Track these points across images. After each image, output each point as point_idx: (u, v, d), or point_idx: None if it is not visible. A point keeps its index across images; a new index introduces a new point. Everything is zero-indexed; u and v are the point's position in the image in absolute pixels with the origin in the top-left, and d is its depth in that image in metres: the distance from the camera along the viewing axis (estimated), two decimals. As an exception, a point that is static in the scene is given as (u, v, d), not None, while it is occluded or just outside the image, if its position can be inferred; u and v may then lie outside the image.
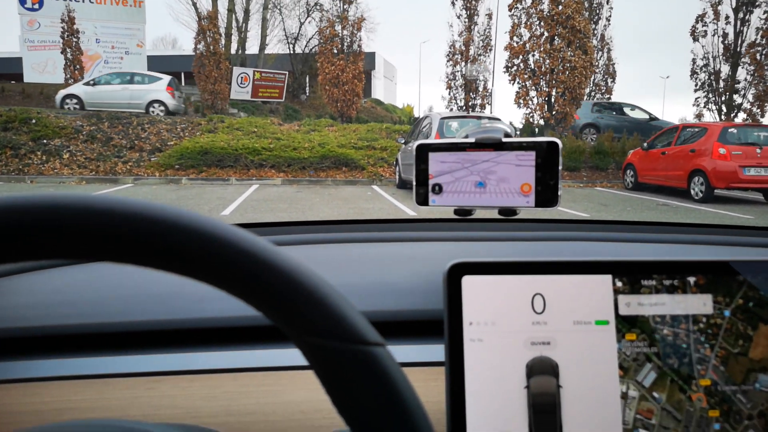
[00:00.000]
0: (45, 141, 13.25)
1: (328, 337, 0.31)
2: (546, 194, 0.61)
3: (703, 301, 0.47)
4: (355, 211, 8.48)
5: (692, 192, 10.61)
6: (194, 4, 21.74)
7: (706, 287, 0.48)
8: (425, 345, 0.61)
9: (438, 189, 0.63)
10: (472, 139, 0.62)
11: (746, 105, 17.55)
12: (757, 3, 17.20)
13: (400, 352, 0.60)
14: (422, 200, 0.64)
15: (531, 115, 16.83)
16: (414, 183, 0.65)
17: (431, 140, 0.63)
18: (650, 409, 0.46)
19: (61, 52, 17.36)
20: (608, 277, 0.47)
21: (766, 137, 10.45)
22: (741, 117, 17.64)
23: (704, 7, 17.84)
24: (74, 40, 17.36)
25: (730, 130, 10.48)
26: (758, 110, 17.28)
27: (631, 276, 0.47)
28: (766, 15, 17.09)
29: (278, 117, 19.31)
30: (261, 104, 21.83)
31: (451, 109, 17.89)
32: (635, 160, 12.54)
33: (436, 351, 0.57)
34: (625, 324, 0.47)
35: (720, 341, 0.47)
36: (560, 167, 0.60)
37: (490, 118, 10.69)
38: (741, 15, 17.46)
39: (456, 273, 0.47)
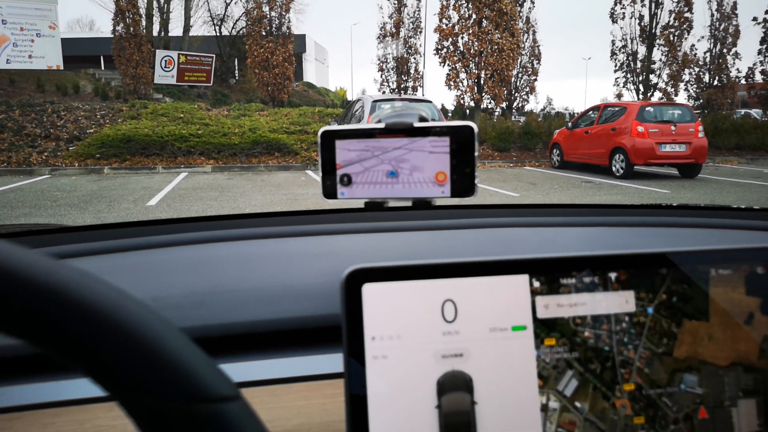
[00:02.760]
0: (-54, 131, 12.23)
1: (153, 394, 0.24)
2: (462, 183, 0.56)
3: (625, 299, 0.44)
4: (288, 197, 8.32)
5: (614, 169, 11.08)
6: (110, -17, 20.45)
7: (627, 283, 0.44)
8: (332, 354, 0.56)
9: (347, 180, 0.57)
10: (382, 125, 0.56)
11: (661, 84, 18.50)
12: (669, -14, 18.06)
13: (303, 364, 0.55)
14: (330, 193, 0.58)
15: (462, 96, 17.04)
16: (320, 174, 0.58)
17: (336, 126, 0.57)
18: (572, 420, 0.42)
19: (-38, 35, 16.03)
20: (525, 278, 0.43)
21: (680, 115, 11.03)
22: (657, 96, 18.58)
23: (622, -11, 18.58)
24: (-25, 21, 16.05)
25: (647, 108, 10.98)
26: (672, 89, 18.25)
27: (548, 275, 0.43)
28: (677, -2, 18.00)
29: (206, 102, 18.62)
30: (188, 89, 20.95)
31: (384, 92, 17.85)
32: (561, 140, 12.95)
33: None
34: (544, 328, 0.43)
35: (644, 341, 0.43)
36: (477, 153, 0.55)
37: (421, 101, 10.72)
38: (655, -2, 18.29)
39: (355, 281, 0.40)
